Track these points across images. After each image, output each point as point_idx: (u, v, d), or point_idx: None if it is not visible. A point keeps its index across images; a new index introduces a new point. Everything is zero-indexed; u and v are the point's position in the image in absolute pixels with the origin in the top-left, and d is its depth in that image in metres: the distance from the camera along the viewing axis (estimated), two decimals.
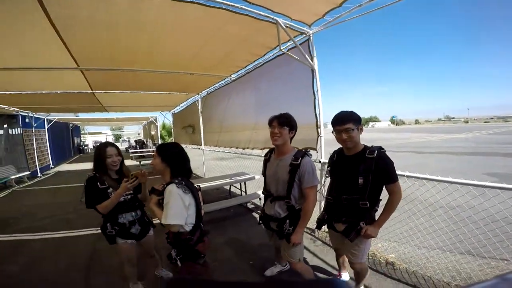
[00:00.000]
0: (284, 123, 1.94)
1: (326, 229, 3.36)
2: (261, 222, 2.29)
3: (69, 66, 3.78)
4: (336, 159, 2.03)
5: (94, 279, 2.72)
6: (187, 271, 1.74)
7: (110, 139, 41.75)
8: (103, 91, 6.08)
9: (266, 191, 2.20)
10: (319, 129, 3.20)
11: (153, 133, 17.30)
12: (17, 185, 8.34)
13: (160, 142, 15.37)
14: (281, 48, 3.09)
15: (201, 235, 1.78)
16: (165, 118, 12.76)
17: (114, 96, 6.80)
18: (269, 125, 2.02)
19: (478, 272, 2.39)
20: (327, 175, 2.14)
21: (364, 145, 1.88)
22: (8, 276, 2.78)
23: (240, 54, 3.88)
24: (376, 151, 1.77)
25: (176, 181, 1.63)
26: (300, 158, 1.93)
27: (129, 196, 2.14)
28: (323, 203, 2.28)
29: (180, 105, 9.57)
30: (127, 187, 1.99)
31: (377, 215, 1.92)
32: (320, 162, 3.20)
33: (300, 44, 3.03)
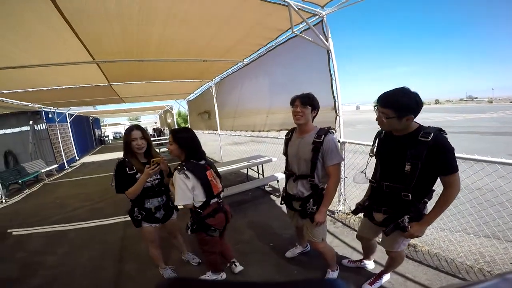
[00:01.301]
0: (306, 102, 1.91)
1: (348, 211, 3.44)
2: (283, 202, 2.29)
3: (85, 60, 3.87)
4: (384, 137, 1.76)
5: (127, 265, 2.84)
6: (198, 239, 2.09)
7: None
8: (119, 83, 6.20)
9: (288, 170, 2.20)
10: (337, 110, 3.19)
11: (169, 121, 17.60)
12: (48, 178, 8.69)
13: None
14: (294, 30, 3.02)
15: (213, 211, 2.00)
16: (180, 106, 12.88)
17: (130, 87, 6.93)
18: (291, 105, 1.99)
19: (503, 256, 2.31)
20: (371, 154, 1.91)
21: (419, 124, 1.56)
22: (49, 267, 2.93)
23: (253, 38, 3.83)
24: (433, 134, 1.44)
25: (179, 167, 1.89)
26: (323, 136, 1.90)
27: (156, 181, 2.19)
28: (366, 185, 2.04)
29: (194, 92, 9.65)
30: (149, 173, 2.04)
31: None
32: (339, 141, 3.18)
33: (314, 26, 2.95)
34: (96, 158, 13.92)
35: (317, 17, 3.10)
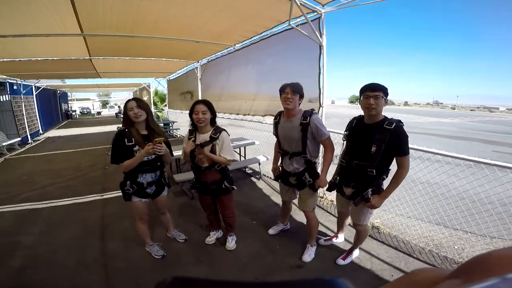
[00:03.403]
0: (296, 90, 2.15)
1: (322, 194, 3.73)
2: (279, 179, 2.54)
3: (72, 32, 3.66)
4: (355, 125, 2.11)
5: (112, 243, 2.81)
6: (230, 198, 2.49)
7: (97, 105, 40.65)
8: (101, 57, 5.91)
9: (281, 149, 2.42)
10: (321, 100, 3.43)
11: (145, 99, 16.96)
12: (9, 153, 8.02)
13: (152, 108, 15.18)
14: (291, 23, 3.14)
15: None
16: (159, 84, 12.45)
17: (111, 62, 6.63)
18: (281, 91, 2.20)
19: (448, 240, 2.72)
20: (343, 139, 2.25)
21: (385, 116, 1.94)
22: (27, 247, 2.76)
23: (249, 25, 3.89)
24: (395, 123, 1.84)
25: (220, 130, 2.26)
26: (308, 117, 2.15)
27: (153, 156, 2.19)
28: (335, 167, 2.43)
29: (177, 72, 9.43)
30: (149, 151, 2.06)
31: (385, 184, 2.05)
32: None
33: (311, 21, 3.09)
34: (63, 133, 13.14)
35: (315, 13, 3.25)
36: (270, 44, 4.30)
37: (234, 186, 2.41)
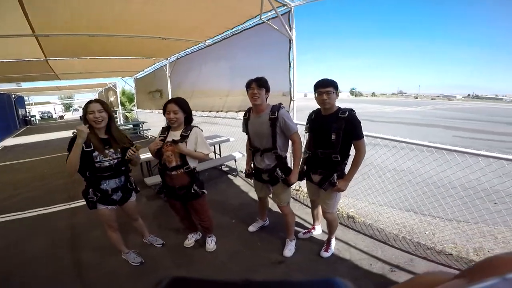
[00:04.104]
0: (261, 85, 2.15)
1: (298, 187, 3.79)
2: (252, 177, 2.54)
3: (22, 32, 3.33)
4: (314, 117, 2.28)
5: (84, 253, 2.66)
6: (204, 202, 2.40)
7: (59, 108, 38.04)
8: (58, 58, 5.48)
9: (252, 147, 2.40)
10: (292, 94, 3.45)
11: (112, 99, 16.04)
12: None
13: (120, 109, 14.58)
14: (262, 17, 3.12)
15: None
16: (126, 84, 11.84)
17: (70, 62, 6.16)
18: (247, 87, 2.19)
19: (419, 226, 2.86)
20: (306, 132, 2.39)
21: (338, 107, 2.13)
22: None
23: (220, 21, 3.80)
24: (348, 112, 2.04)
25: (191, 127, 2.18)
26: (276, 112, 2.16)
27: (115, 161, 2.06)
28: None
29: (144, 70, 9.06)
30: (128, 155, 2.03)
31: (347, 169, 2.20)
32: None
33: (281, 15, 3.09)
34: (21, 140, 12.10)
35: (285, 7, 3.24)
36: (242, 39, 4.25)
37: (204, 190, 2.32)
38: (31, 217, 3.58)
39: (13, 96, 17.50)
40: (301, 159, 2.36)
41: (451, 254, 2.43)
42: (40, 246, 2.83)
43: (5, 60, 5.10)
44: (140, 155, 2.24)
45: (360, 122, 2.04)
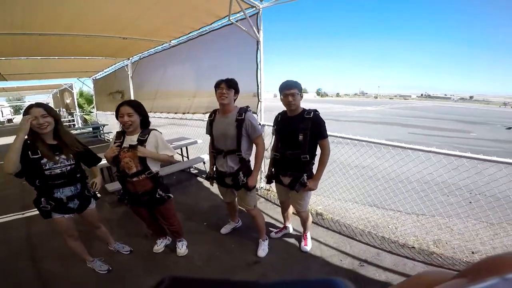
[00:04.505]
0: (231, 86, 2.15)
1: (268, 187, 3.83)
2: (214, 182, 2.48)
3: None
4: (281, 119, 2.31)
5: (46, 263, 2.49)
6: (171, 207, 2.33)
7: (8, 111, 34.15)
8: (3, 58, 4.96)
9: (215, 149, 2.35)
10: (259, 96, 3.48)
11: (68, 101, 14.80)
12: None
13: (78, 111, 13.65)
14: (230, 18, 3.11)
15: None
16: (83, 85, 11.02)
17: (19, 62, 5.58)
18: (216, 87, 2.17)
19: (382, 220, 3.01)
20: (273, 134, 2.41)
21: (303, 108, 2.19)
22: None
23: (187, 21, 3.69)
24: (313, 112, 2.12)
25: (148, 131, 2.08)
26: (243, 114, 2.17)
27: (68, 168, 1.91)
28: (268, 161, 2.59)
29: (104, 70, 8.53)
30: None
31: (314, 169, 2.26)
32: (260, 124, 3.44)
33: (249, 17, 3.10)
34: None
35: (254, 9, 3.25)
36: (209, 40, 4.19)
37: (170, 194, 2.25)
38: None
39: None
40: (269, 161, 2.40)
41: (414, 247, 2.55)
42: None
43: None
44: (95, 160, 2.19)
45: (324, 122, 2.13)
